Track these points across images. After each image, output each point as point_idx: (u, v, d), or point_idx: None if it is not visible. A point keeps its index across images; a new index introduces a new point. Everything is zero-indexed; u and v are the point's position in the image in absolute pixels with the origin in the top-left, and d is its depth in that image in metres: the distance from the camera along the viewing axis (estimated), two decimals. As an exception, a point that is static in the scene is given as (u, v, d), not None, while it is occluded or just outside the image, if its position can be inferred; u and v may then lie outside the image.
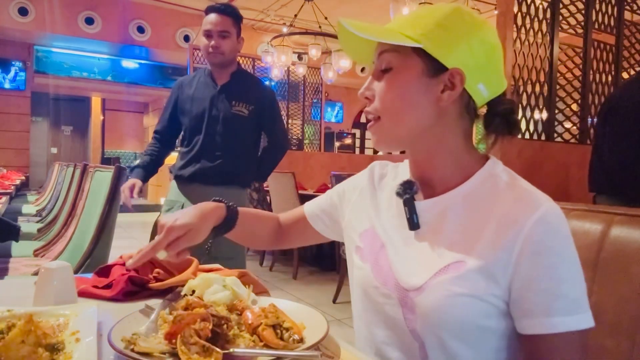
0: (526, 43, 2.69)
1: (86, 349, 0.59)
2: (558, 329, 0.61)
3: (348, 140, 11.22)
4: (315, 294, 3.69)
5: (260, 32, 9.08)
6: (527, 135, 2.79)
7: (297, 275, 4.15)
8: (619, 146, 1.90)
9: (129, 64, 9.52)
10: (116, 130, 12.66)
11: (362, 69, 9.81)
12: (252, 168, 2.16)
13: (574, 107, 2.97)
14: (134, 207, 2.09)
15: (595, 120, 2.89)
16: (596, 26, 2.97)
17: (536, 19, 2.73)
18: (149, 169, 2.17)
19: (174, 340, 0.58)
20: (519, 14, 2.66)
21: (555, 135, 2.90)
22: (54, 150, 11.72)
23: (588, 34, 2.93)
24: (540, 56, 2.76)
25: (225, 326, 0.62)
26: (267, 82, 5.91)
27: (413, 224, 0.72)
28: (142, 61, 9.55)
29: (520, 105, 2.72)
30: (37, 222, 3.86)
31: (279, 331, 0.63)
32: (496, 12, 2.70)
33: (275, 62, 5.69)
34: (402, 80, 0.70)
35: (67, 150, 11.93)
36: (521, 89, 2.71)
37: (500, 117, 0.71)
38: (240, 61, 5.96)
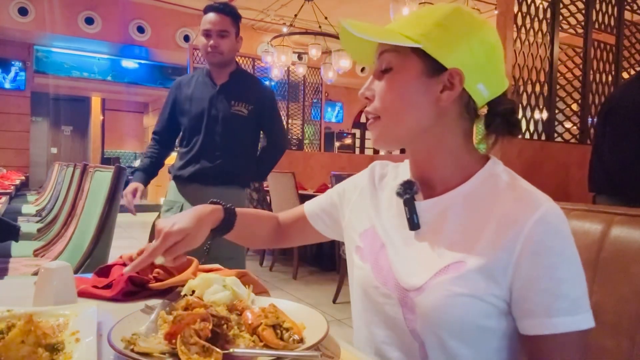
0: (526, 43, 2.69)
1: (86, 349, 0.59)
2: (559, 329, 0.61)
3: (348, 140, 11.21)
4: (315, 294, 3.68)
5: (260, 32, 9.08)
6: (527, 135, 2.79)
7: (297, 275, 4.14)
8: (619, 146, 1.90)
9: (129, 64, 9.51)
10: (116, 130, 12.66)
11: (362, 69, 9.81)
12: (251, 168, 2.16)
13: (574, 107, 2.97)
14: (134, 207, 2.09)
15: (595, 120, 2.89)
16: (596, 26, 2.97)
17: (536, 19, 2.73)
18: (150, 171, 2.17)
19: (173, 341, 0.58)
20: (519, 13, 2.66)
21: (555, 135, 2.90)
22: (54, 150, 11.72)
23: (588, 34, 2.93)
24: (540, 56, 2.76)
25: (225, 326, 0.62)
26: (267, 82, 5.91)
27: (413, 224, 0.72)
28: (142, 61, 9.55)
29: (520, 105, 2.72)
30: (37, 222, 3.85)
31: (279, 331, 0.63)
32: (496, 12, 2.71)
33: (275, 62, 5.69)
34: (402, 81, 0.70)
35: (67, 150, 11.93)
36: (521, 89, 2.71)
37: (501, 117, 0.71)
38: (240, 61, 5.96)
